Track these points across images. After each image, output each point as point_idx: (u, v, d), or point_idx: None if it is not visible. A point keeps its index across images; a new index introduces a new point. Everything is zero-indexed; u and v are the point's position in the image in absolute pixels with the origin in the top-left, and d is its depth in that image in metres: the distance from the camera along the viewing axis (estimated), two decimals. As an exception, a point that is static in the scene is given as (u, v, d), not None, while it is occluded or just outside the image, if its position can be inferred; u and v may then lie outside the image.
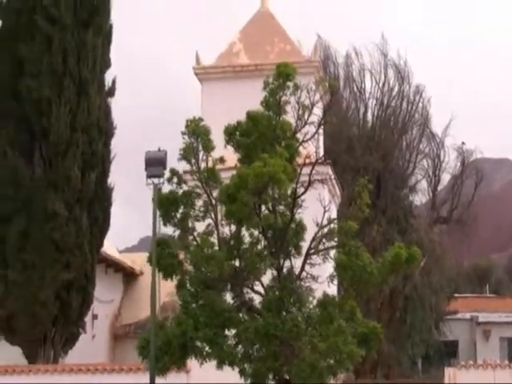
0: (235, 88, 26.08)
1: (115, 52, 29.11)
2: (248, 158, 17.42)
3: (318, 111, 18.68)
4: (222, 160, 18.06)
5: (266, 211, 17.25)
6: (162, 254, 17.75)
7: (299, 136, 18.06)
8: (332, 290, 18.63)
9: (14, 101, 26.80)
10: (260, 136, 17.48)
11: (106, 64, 28.52)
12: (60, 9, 27.00)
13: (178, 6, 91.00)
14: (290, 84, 17.84)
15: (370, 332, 17.20)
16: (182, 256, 17.91)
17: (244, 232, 17.46)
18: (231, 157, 18.16)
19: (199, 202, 17.88)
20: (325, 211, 17.88)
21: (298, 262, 17.59)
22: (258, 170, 16.06)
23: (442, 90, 52.32)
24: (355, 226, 17.36)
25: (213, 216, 17.67)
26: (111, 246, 33.29)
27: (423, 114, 40.12)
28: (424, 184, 41.48)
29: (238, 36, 28.04)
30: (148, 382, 18.53)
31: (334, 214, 22.26)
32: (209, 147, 17.97)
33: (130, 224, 75.36)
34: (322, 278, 17.65)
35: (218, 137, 17.94)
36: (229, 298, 17.56)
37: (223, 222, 17.58)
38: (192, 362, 19.47)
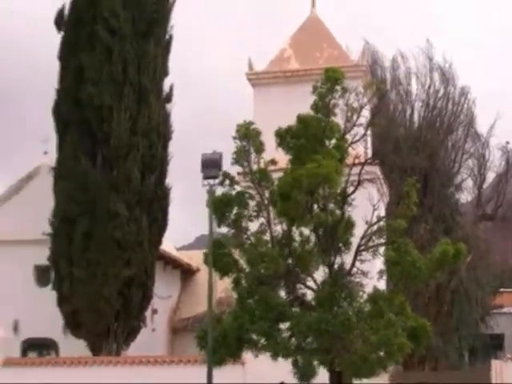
0: (286, 92, 26.08)
1: (172, 59, 29.33)
2: (298, 159, 17.41)
3: (366, 113, 18.63)
4: (273, 162, 18.08)
5: (318, 210, 17.24)
6: (218, 255, 17.84)
7: (348, 137, 18.02)
8: (381, 285, 18.54)
9: (76, 107, 27.12)
10: (310, 138, 17.47)
11: (165, 72, 28.76)
12: (119, 20, 27.30)
13: (231, 16, 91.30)
14: (339, 88, 17.81)
15: (419, 327, 17.08)
16: (236, 255, 17.98)
17: (294, 231, 17.48)
18: (282, 158, 18.17)
19: (252, 203, 17.93)
20: (374, 209, 17.83)
21: (348, 259, 17.56)
22: (312, 170, 16.07)
23: (487, 90, 51.49)
24: (404, 224, 17.28)
25: (265, 215, 17.71)
26: (169, 244, 33.48)
27: (468, 115, 39.69)
28: (469, 182, 40.99)
29: (288, 42, 28.03)
30: (205, 373, 18.65)
31: (382, 213, 22.13)
32: (260, 149, 18.01)
33: (186, 223, 75.44)
34: (371, 274, 17.60)
35: (269, 139, 17.98)
36: (282, 293, 17.59)
37: (275, 221, 17.62)
38: (247, 356, 19.59)
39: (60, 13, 28.37)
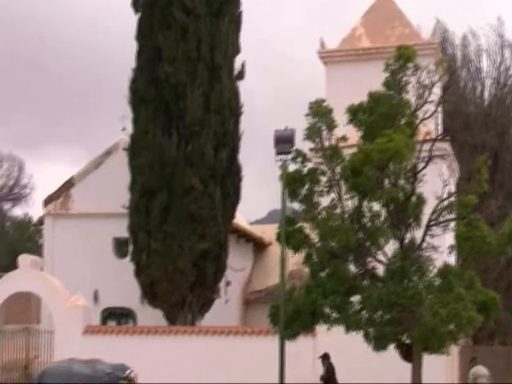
0: (357, 70, 25.82)
1: (244, 37, 29.29)
2: (370, 135, 17.33)
3: (437, 90, 18.39)
4: (344, 138, 18.01)
5: (388, 185, 17.13)
6: (290, 232, 17.90)
7: (419, 114, 17.82)
8: (451, 260, 18.36)
9: (152, 85, 27.35)
10: (381, 114, 17.35)
11: (237, 50, 28.76)
12: (194, 0, 27.38)
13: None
14: (410, 65, 17.64)
15: (488, 301, 16.89)
16: (307, 229, 18.00)
17: (365, 205, 17.40)
18: (353, 135, 18.07)
19: (323, 179, 17.90)
20: (444, 185, 17.63)
21: (418, 234, 17.43)
22: (383, 145, 15.99)
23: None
24: (474, 200, 17.06)
25: (336, 191, 17.67)
26: (242, 218, 33.63)
27: (540, 92, 38.81)
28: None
29: (360, 21, 27.74)
30: (277, 344, 18.79)
31: (452, 189, 21.86)
32: (332, 126, 17.95)
33: (259, 198, 75.66)
34: (441, 249, 17.44)
35: (340, 116, 17.89)
36: (352, 267, 17.56)
37: (346, 197, 17.57)
38: (318, 327, 19.63)
39: (136, -5, 28.58)
